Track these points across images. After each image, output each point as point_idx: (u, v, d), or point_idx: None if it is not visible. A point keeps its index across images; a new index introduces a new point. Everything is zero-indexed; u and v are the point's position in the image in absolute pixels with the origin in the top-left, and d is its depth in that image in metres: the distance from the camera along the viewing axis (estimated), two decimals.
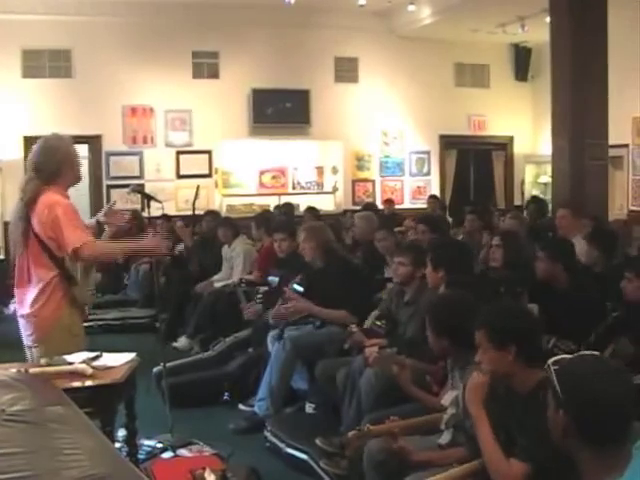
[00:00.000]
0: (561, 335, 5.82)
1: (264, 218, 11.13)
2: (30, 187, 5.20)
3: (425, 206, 15.89)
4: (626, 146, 15.24)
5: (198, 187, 13.28)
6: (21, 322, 5.30)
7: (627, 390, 2.72)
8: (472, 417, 3.89)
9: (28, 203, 5.16)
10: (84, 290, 5.40)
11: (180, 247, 12.32)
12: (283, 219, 11.70)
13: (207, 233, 11.94)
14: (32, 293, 5.21)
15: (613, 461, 2.63)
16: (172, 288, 11.19)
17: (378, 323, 6.80)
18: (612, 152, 11.88)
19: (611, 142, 11.16)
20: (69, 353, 4.82)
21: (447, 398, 4.57)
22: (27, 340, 5.26)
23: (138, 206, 12.59)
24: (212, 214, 12.62)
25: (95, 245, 5.20)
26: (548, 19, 11.34)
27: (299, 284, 7.57)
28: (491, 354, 3.84)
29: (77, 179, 5.43)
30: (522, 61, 18.09)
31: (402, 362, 5.33)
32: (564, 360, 2.84)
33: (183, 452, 6.12)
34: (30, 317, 5.22)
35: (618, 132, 12.72)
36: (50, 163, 5.22)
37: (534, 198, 13.68)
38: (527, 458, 3.52)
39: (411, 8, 15.05)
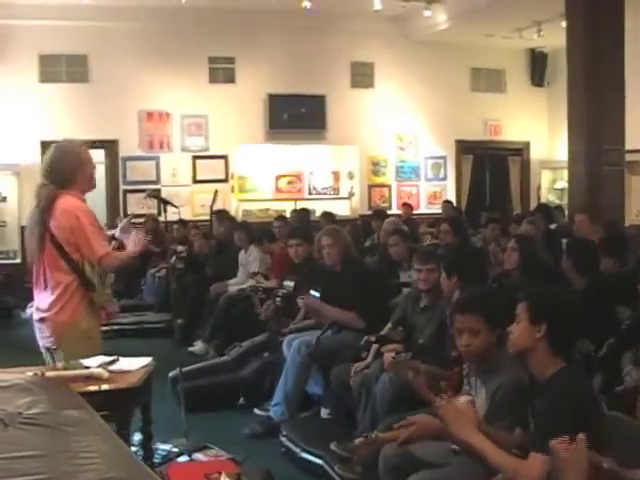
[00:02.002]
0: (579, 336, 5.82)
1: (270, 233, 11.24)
2: (45, 192, 5.22)
3: (441, 211, 15.87)
4: None
5: (216, 192, 13.33)
6: (37, 326, 5.32)
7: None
8: (470, 447, 3.71)
9: (45, 208, 5.17)
10: (102, 294, 5.43)
11: (181, 249, 12.36)
12: (297, 225, 11.72)
13: (223, 238, 11.96)
14: (49, 298, 5.23)
15: None
16: (187, 293, 11.21)
17: (399, 329, 6.80)
18: (629, 157, 11.85)
19: (628, 147, 11.14)
20: (86, 357, 4.83)
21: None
22: (45, 343, 5.28)
23: (155, 211, 12.65)
24: (229, 219, 12.67)
25: (115, 256, 5.27)
26: (564, 24, 11.33)
27: (316, 290, 7.57)
28: (523, 325, 3.84)
29: (91, 184, 5.45)
30: (538, 66, 18.05)
31: (417, 367, 5.32)
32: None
33: (198, 456, 6.13)
34: (47, 321, 5.24)
35: (635, 137, 12.66)
36: (64, 168, 5.24)
37: (541, 206, 13.64)
38: (542, 446, 3.49)
39: (427, 13, 15.04)
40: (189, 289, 11.33)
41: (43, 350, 5.31)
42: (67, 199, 5.18)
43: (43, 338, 5.29)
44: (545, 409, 3.47)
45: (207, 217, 14.24)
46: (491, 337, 4.36)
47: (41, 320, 5.29)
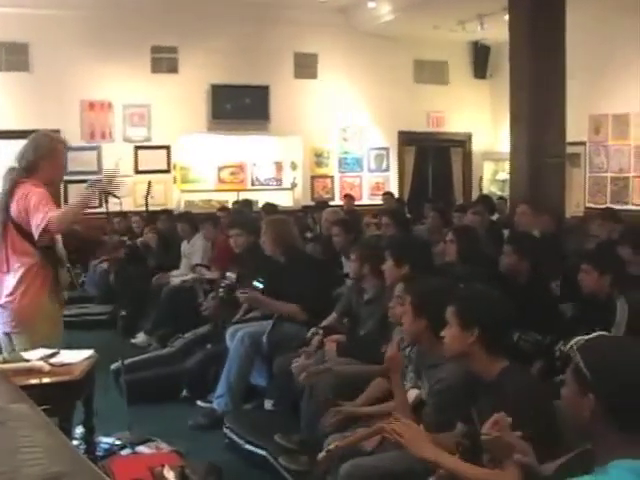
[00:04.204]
0: (523, 328, 5.89)
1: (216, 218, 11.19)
2: (10, 176, 5.45)
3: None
4: (583, 144, 15.39)
5: (150, 183, 13.25)
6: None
7: None
8: (437, 464, 3.59)
9: (7, 192, 5.37)
10: (65, 273, 5.51)
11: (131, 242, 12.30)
12: (238, 215, 11.71)
13: (164, 232, 11.88)
14: (12, 281, 5.33)
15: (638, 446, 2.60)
16: (130, 284, 11.13)
17: (344, 320, 6.85)
18: (569, 149, 11.98)
19: (568, 140, 11.25)
20: (49, 341, 4.87)
21: (409, 397, 4.59)
22: (5, 328, 5.33)
23: (96, 201, 12.54)
24: (166, 213, 12.62)
25: (56, 218, 5.26)
26: (507, 17, 11.40)
27: (259, 281, 7.56)
28: (454, 331, 3.87)
29: (55, 177, 5.70)
30: (481, 59, 18.17)
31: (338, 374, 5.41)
32: (586, 342, 2.74)
33: (142, 449, 6.08)
34: (9, 305, 5.33)
35: (575, 130, 12.82)
36: (29, 156, 5.44)
37: (483, 197, 13.75)
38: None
39: (371, 4, 15.09)
40: (131, 281, 11.25)
41: (1, 336, 5.31)
42: (26, 186, 5.33)
43: (3, 324, 5.34)
44: (495, 408, 3.46)
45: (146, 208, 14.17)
46: (419, 323, 4.43)
47: (3, 306, 5.35)
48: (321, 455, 4.39)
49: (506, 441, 3.17)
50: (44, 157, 5.48)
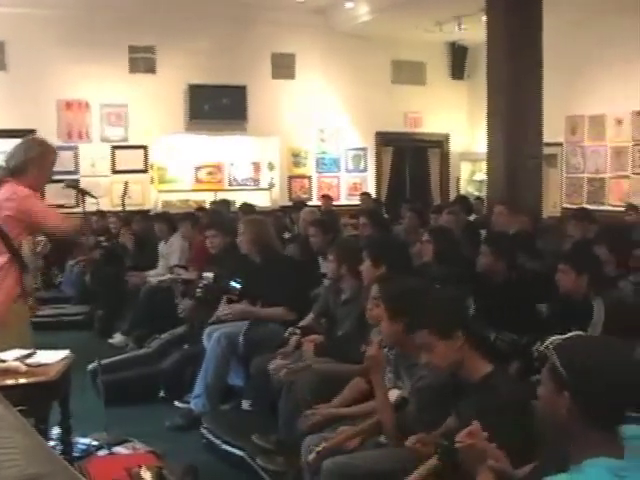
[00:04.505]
0: (499, 328, 5.93)
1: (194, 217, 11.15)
2: None
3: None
4: (560, 144, 15.47)
5: (126, 183, 13.21)
6: None
7: (634, 372, 2.68)
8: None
9: None
10: (31, 280, 5.49)
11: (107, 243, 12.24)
12: (216, 215, 11.70)
13: (140, 232, 11.84)
14: None
15: (615, 442, 2.64)
16: (107, 284, 11.09)
17: (322, 320, 6.86)
18: (546, 150, 12.03)
19: (545, 140, 11.30)
20: (18, 342, 4.85)
21: (390, 397, 4.59)
22: None
23: (73, 201, 12.50)
24: (142, 213, 12.59)
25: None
26: (484, 18, 11.44)
27: (237, 281, 7.55)
28: (440, 347, 3.83)
29: (39, 184, 5.73)
30: (458, 59, 18.21)
31: (318, 372, 5.41)
32: (562, 341, 2.77)
33: (119, 450, 6.07)
34: None
35: (552, 130, 12.89)
36: (17, 158, 5.45)
37: (460, 197, 13.81)
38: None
39: (349, 5, 15.11)
40: (108, 281, 11.20)
41: None
42: (12, 187, 5.37)
43: None
44: (478, 411, 3.45)
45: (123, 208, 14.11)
46: (396, 326, 4.43)
47: None
48: (311, 457, 4.40)
49: (480, 448, 3.18)
50: (34, 161, 5.48)
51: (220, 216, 11.85)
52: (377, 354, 4.52)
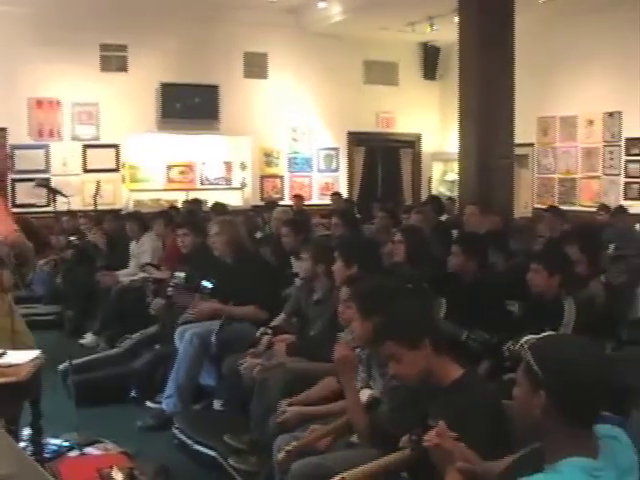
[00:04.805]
0: (470, 327, 5.95)
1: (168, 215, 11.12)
2: None
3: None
4: (531, 145, 15.57)
5: (98, 183, 13.16)
6: None
7: (607, 371, 2.72)
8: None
9: None
10: (10, 277, 5.43)
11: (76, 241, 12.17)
12: (186, 215, 11.68)
13: (112, 232, 11.78)
14: None
15: (590, 441, 2.67)
16: (78, 284, 11.03)
17: (293, 320, 6.86)
18: (518, 151, 12.13)
19: (517, 141, 11.37)
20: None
21: (361, 397, 4.59)
22: None
23: (44, 200, 12.43)
24: (113, 213, 12.52)
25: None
26: (457, 19, 11.48)
27: (209, 281, 7.54)
28: (408, 357, 3.79)
29: None
30: (431, 60, 18.29)
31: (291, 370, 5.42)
32: (537, 340, 2.79)
33: (90, 450, 6.05)
34: None
35: (524, 131, 12.96)
36: None
37: (432, 197, 13.87)
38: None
39: (322, 5, 15.12)
40: (79, 281, 11.15)
41: None
42: None
43: None
44: (448, 415, 3.45)
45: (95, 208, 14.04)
46: (367, 325, 4.43)
47: None
48: (281, 456, 4.38)
49: (447, 449, 3.20)
50: None
51: (194, 215, 11.83)
52: (346, 355, 4.51)
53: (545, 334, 2.91)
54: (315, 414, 5.02)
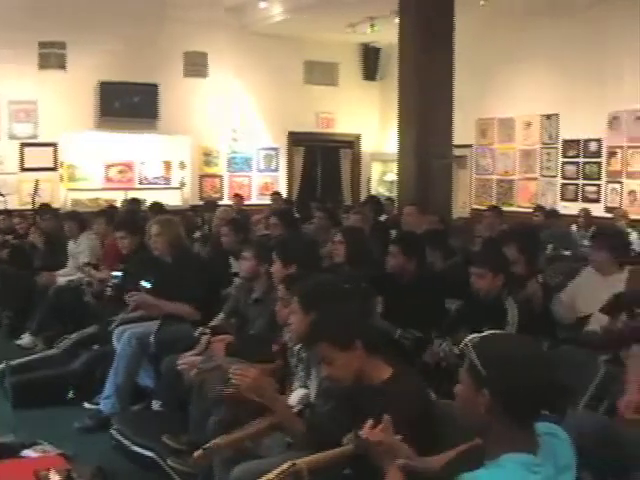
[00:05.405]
0: (406, 326, 6.00)
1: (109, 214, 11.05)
2: None
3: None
4: (470, 146, 15.71)
5: (37, 182, 13.03)
6: None
7: (549, 370, 2.76)
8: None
9: None
10: None
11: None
12: (124, 216, 11.60)
13: (50, 230, 11.67)
14: None
15: (530, 438, 2.72)
16: (15, 284, 10.91)
17: (232, 320, 6.85)
18: (457, 152, 12.25)
19: (456, 142, 11.46)
20: None
21: (294, 397, 4.60)
22: None
23: None
24: (51, 211, 12.37)
25: None
26: (397, 20, 11.54)
27: (147, 280, 7.51)
28: (341, 359, 3.81)
29: None
30: (371, 61, 18.41)
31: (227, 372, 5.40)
32: (480, 339, 2.81)
33: (27, 453, 5.98)
34: None
35: (463, 133, 13.08)
36: None
37: (370, 197, 13.94)
38: None
39: (263, 5, 15.15)
40: (16, 281, 11.03)
41: None
42: None
43: None
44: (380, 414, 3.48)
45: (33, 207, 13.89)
46: (305, 319, 4.44)
47: None
48: (197, 453, 4.34)
49: (390, 445, 3.22)
50: None
51: (133, 216, 11.74)
52: (258, 379, 4.32)
53: (488, 333, 2.93)
54: (245, 437, 4.97)
